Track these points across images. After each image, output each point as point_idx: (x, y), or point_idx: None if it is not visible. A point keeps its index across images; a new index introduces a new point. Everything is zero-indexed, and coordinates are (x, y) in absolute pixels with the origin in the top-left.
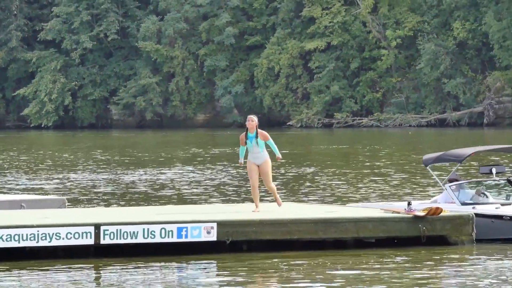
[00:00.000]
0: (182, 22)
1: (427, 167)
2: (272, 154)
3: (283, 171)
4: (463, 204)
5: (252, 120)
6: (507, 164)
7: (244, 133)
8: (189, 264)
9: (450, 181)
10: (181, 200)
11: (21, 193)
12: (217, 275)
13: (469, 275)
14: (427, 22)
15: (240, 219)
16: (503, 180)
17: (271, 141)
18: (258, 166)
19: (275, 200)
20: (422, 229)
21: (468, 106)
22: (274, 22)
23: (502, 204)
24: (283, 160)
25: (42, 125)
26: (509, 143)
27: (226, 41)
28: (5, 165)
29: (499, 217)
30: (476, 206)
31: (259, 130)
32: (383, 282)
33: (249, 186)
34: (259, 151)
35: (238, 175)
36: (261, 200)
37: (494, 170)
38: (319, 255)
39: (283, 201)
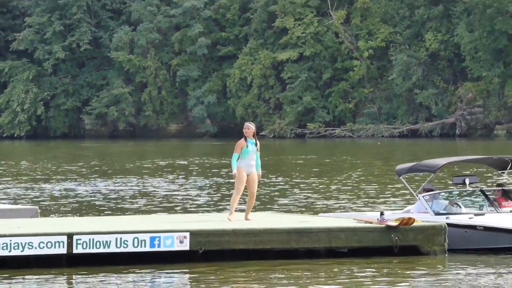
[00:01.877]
0: (154, 33)
1: (400, 177)
2: None
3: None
4: (437, 214)
5: (249, 128)
6: (480, 175)
7: (243, 139)
8: (162, 273)
9: (425, 191)
10: (154, 209)
11: None
12: (190, 284)
13: (441, 285)
14: (399, 33)
15: (213, 229)
16: (477, 190)
17: (258, 155)
18: (247, 176)
19: (246, 211)
20: (395, 239)
21: (440, 117)
22: (247, 32)
23: (476, 214)
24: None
25: (15, 135)
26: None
27: (199, 51)
28: None
29: (473, 227)
30: (450, 216)
31: (256, 138)
32: None
33: (227, 195)
34: (254, 158)
35: (210, 185)
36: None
37: (467, 181)
38: (292, 265)
39: (256, 211)
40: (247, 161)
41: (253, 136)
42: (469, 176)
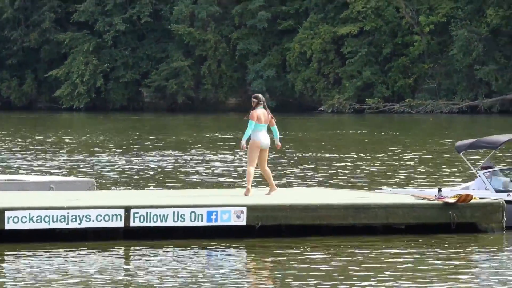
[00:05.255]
0: (215, 6)
1: (460, 154)
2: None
3: (312, 156)
4: (498, 191)
5: (258, 99)
6: None
7: (254, 110)
8: (218, 248)
9: (484, 168)
10: (211, 183)
11: (50, 174)
12: (246, 259)
13: (499, 263)
14: (460, 8)
15: (270, 204)
16: None
17: (275, 127)
18: (261, 148)
19: (269, 185)
20: (452, 216)
21: (500, 93)
22: (307, 6)
23: None
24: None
25: (74, 107)
26: None
27: (259, 25)
28: (33, 147)
29: None
30: (511, 193)
31: (268, 110)
32: (412, 269)
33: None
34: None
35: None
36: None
37: None
38: (349, 241)
39: (314, 186)
40: (262, 134)
41: (264, 107)
42: None
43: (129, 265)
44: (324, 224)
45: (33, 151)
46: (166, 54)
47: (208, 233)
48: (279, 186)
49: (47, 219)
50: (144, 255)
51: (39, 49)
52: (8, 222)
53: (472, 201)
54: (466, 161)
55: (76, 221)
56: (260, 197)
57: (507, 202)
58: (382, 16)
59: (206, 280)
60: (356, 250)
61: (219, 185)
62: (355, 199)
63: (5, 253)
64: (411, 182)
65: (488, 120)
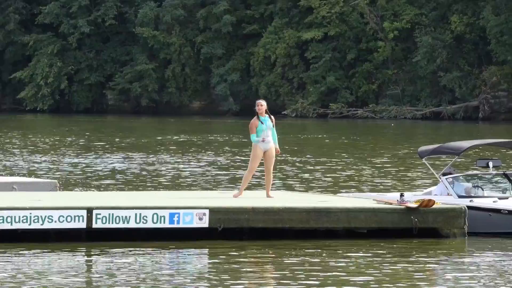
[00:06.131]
0: (180, 9)
1: (423, 159)
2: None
3: (275, 159)
4: (460, 196)
5: (261, 105)
6: (502, 159)
7: (256, 118)
8: (180, 250)
9: (445, 174)
10: (174, 186)
11: (13, 175)
12: (208, 262)
13: (460, 268)
14: (425, 14)
15: (232, 206)
16: (500, 174)
17: (274, 130)
18: (264, 152)
19: (266, 188)
20: (414, 221)
21: (463, 100)
22: (272, 11)
23: (499, 198)
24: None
25: (38, 109)
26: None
27: (224, 29)
28: None
29: (497, 210)
30: (474, 199)
31: (269, 114)
32: (374, 274)
33: (242, 173)
34: (270, 134)
35: (231, 162)
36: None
37: (491, 164)
38: (311, 245)
39: (275, 190)
40: (262, 138)
41: (265, 112)
42: (493, 159)
43: (91, 266)
44: (286, 227)
45: None
46: (131, 57)
47: (170, 235)
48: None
49: (9, 219)
50: (106, 256)
51: (3, 51)
52: None
53: (434, 206)
54: (429, 166)
55: (38, 221)
56: (223, 199)
57: (469, 207)
58: (346, 21)
59: (166, 282)
60: (317, 254)
61: (182, 187)
62: (317, 202)
63: None
64: (374, 186)
65: (451, 126)
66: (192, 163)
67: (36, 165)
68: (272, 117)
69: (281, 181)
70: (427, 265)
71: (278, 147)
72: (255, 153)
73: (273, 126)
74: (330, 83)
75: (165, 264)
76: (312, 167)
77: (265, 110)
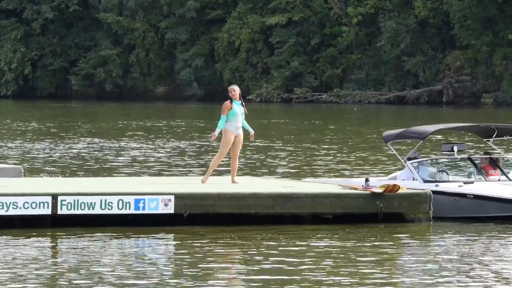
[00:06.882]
0: None
1: (388, 144)
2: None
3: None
4: (425, 181)
5: (234, 90)
6: (467, 143)
7: (229, 101)
8: (146, 236)
9: (410, 159)
10: (139, 172)
11: None
12: (174, 248)
13: (425, 252)
14: (388, 0)
15: (198, 192)
16: (465, 158)
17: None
18: (235, 137)
19: (232, 174)
20: (380, 206)
21: (427, 84)
22: None
23: (465, 183)
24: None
25: (1, 94)
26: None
27: (187, 14)
28: None
29: (463, 195)
30: (439, 184)
31: (242, 101)
32: (339, 258)
33: (208, 159)
34: (241, 120)
35: (196, 148)
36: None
37: (455, 148)
38: (276, 230)
39: (240, 175)
40: (234, 123)
41: (239, 98)
42: (457, 144)
43: (56, 253)
44: (252, 213)
45: None
46: (95, 43)
47: (136, 221)
48: (203, 175)
49: None
50: (71, 243)
51: None
52: None
53: (399, 191)
54: (393, 151)
55: (3, 208)
56: (188, 185)
57: (435, 192)
58: (310, 6)
59: (131, 268)
60: (283, 240)
61: (147, 173)
62: (282, 188)
63: None
64: (339, 171)
65: (415, 110)
66: (157, 148)
67: (0, 151)
68: (243, 104)
69: (246, 167)
70: (392, 250)
71: (252, 131)
72: (226, 138)
73: (244, 112)
74: (294, 68)
75: (130, 250)
76: (277, 153)
77: (239, 95)
